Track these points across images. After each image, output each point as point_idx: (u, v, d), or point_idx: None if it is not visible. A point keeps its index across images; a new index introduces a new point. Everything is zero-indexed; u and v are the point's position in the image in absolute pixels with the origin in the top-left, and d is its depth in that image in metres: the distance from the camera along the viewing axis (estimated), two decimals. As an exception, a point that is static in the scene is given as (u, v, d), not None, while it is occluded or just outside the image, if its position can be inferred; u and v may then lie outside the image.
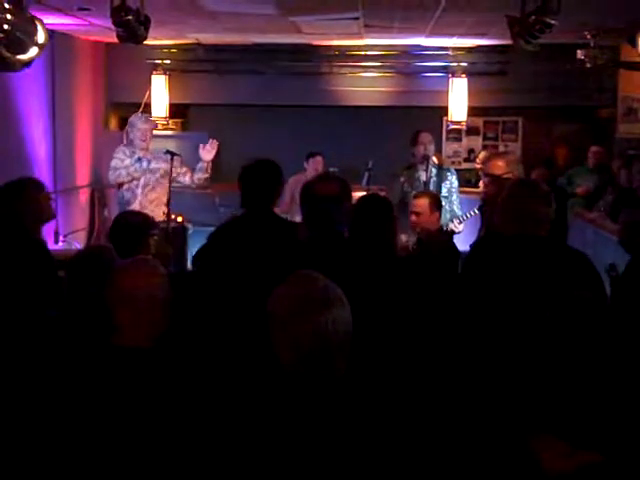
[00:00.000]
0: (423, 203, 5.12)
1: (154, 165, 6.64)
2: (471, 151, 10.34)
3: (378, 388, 2.17)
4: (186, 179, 6.75)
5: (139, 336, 2.47)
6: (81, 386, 2.41)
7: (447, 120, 9.95)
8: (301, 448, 1.96)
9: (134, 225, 3.87)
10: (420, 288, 3.33)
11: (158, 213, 6.40)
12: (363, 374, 2.16)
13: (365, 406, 2.04)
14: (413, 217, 5.11)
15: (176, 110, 10.15)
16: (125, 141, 6.89)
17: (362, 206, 3.68)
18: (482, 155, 9.97)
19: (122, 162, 6.61)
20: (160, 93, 9.86)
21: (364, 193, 6.49)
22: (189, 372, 2.50)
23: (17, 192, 3.97)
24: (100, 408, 2.35)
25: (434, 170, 6.45)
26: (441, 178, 6.43)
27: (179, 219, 7.69)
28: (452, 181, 6.50)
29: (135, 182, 6.63)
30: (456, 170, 7.20)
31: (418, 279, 3.42)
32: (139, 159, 6.63)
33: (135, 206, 6.51)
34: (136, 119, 6.82)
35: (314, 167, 7.63)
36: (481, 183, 9.37)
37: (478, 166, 9.87)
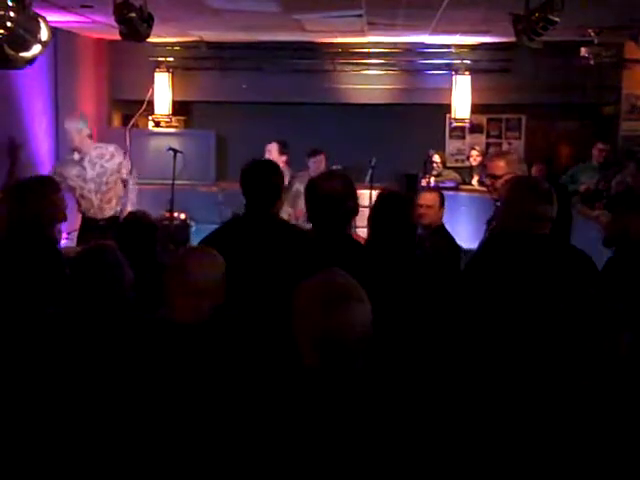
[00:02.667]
0: (433, 197, 5.19)
1: (98, 170, 6.42)
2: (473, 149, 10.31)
3: (396, 385, 2.17)
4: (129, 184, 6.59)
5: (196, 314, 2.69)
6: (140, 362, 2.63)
7: (450, 118, 9.93)
8: (319, 443, 1.96)
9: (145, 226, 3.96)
10: (431, 286, 3.33)
11: (115, 209, 6.43)
12: (381, 371, 2.16)
13: (382, 403, 2.04)
14: (422, 210, 5.13)
15: (179, 107, 10.16)
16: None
17: (383, 204, 3.67)
18: (475, 153, 9.88)
19: (62, 174, 6.35)
20: (163, 90, 9.87)
21: (368, 190, 6.47)
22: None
23: (35, 190, 3.97)
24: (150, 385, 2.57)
25: None
26: None
27: (182, 216, 7.70)
28: None
29: (87, 189, 6.45)
30: (459, 168, 7.19)
31: (430, 277, 3.42)
32: (81, 163, 6.43)
33: (95, 211, 6.45)
34: (66, 122, 6.60)
35: (316, 165, 7.61)
36: (474, 182, 9.39)
37: (474, 163, 9.78)
